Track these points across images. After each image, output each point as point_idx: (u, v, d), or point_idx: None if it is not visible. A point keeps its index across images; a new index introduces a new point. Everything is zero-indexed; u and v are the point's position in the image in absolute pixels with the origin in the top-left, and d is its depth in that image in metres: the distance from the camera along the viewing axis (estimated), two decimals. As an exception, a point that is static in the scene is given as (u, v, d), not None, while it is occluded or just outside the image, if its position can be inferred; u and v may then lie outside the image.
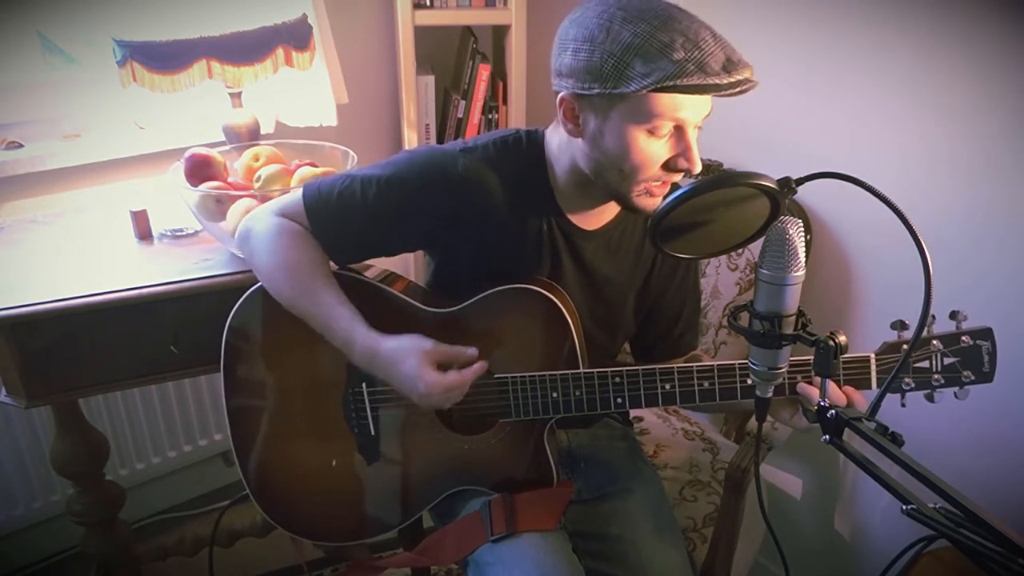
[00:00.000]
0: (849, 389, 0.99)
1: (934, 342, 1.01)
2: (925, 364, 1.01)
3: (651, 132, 0.95)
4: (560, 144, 1.07)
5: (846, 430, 0.78)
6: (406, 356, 1.02)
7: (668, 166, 0.98)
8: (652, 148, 0.96)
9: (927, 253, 0.70)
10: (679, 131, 0.96)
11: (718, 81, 0.88)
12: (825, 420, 0.79)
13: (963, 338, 1.00)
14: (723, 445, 1.54)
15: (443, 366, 1.02)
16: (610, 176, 1.01)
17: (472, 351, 1.05)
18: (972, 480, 1.27)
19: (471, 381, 1.03)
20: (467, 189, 1.08)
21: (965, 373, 1.01)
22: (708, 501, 1.39)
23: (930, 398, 1.02)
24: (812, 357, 0.81)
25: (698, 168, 0.98)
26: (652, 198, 1.02)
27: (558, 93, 1.00)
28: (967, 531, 0.64)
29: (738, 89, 0.90)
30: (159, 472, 1.96)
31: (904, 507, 0.68)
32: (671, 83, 0.88)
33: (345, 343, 1.06)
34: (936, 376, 1.02)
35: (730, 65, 0.89)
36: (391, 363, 1.03)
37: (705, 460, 1.48)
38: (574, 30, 0.96)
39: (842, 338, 0.77)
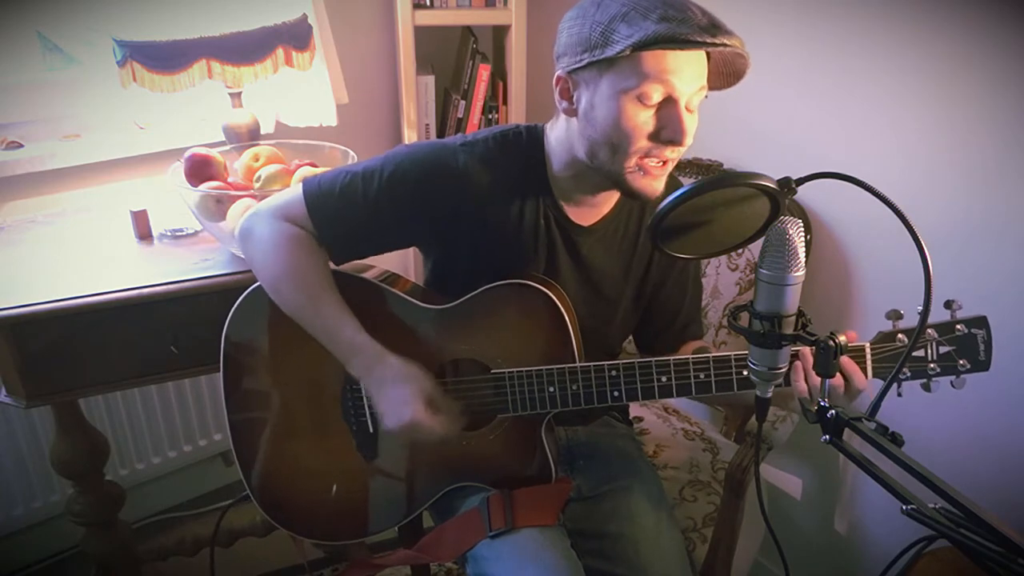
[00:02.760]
0: (848, 363, 0.99)
1: (929, 331, 1.01)
2: (921, 353, 1.02)
3: (640, 99, 0.95)
4: (558, 137, 1.08)
5: (846, 430, 0.78)
6: (409, 380, 1.05)
7: (657, 137, 0.98)
8: (641, 116, 0.96)
9: (927, 253, 0.70)
10: (669, 102, 0.96)
11: (700, 39, 0.89)
12: (825, 420, 0.79)
13: (958, 327, 1.01)
14: (723, 445, 1.54)
15: (431, 407, 1.05)
16: (603, 154, 1.01)
17: (455, 410, 1.08)
18: (972, 480, 1.27)
19: (442, 434, 1.06)
20: (468, 183, 1.08)
21: (961, 362, 1.01)
22: (708, 501, 1.39)
23: (927, 387, 1.02)
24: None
25: (687, 140, 0.98)
26: (647, 177, 1.01)
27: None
28: (967, 531, 0.64)
29: (721, 50, 0.91)
30: (159, 472, 1.96)
31: (904, 507, 0.68)
32: (652, 39, 0.89)
33: (347, 351, 1.07)
34: (932, 365, 1.02)
35: (715, 29, 0.91)
36: (391, 379, 1.05)
37: (705, 460, 1.48)
38: (571, 12, 1.00)
39: (842, 338, 0.77)
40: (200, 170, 1.36)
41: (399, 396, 1.04)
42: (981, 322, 1.01)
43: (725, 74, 0.99)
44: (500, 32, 1.99)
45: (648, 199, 1.04)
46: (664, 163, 1.01)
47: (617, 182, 1.04)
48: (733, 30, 0.92)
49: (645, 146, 0.98)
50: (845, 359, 0.99)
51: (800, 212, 1.51)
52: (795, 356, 0.97)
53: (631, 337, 1.35)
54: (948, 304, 0.99)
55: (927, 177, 1.35)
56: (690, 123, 0.98)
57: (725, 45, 0.90)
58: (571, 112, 1.03)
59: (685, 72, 0.94)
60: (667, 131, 0.97)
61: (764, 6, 1.53)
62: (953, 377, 1.02)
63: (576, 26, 0.97)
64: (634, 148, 0.98)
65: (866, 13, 1.37)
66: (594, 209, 1.14)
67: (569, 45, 0.98)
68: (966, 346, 1.01)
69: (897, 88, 1.36)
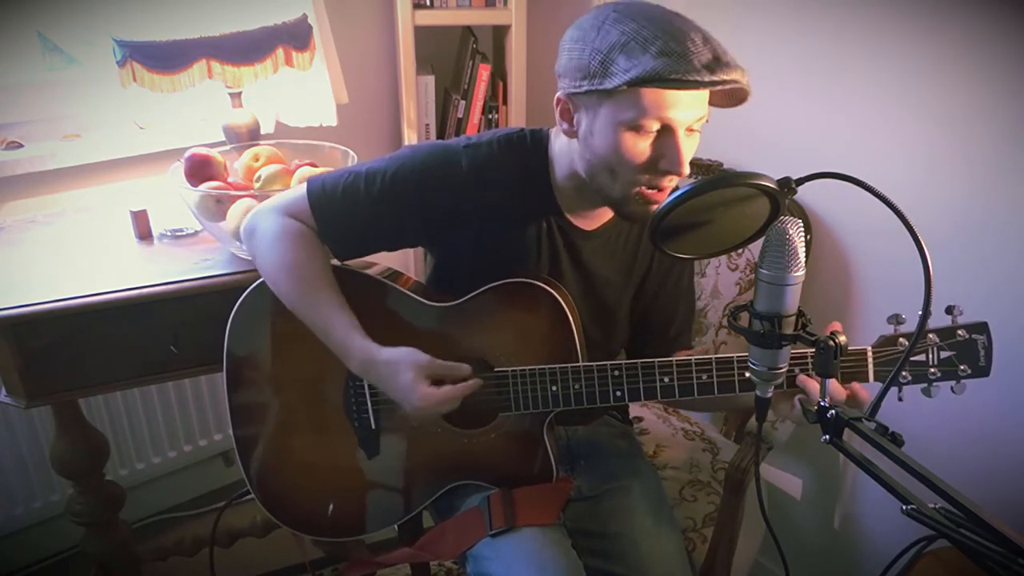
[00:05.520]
0: (855, 385, 0.99)
1: (930, 336, 1.01)
2: (921, 357, 1.02)
3: (637, 130, 0.95)
4: (562, 146, 1.08)
5: (846, 430, 0.78)
6: (402, 369, 1.04)
7: (655, 166, 0.98)
8: (638, 147, 0.96)
9: (927, 253, 0.70)
10: (667, 131, 0.96)
11: (698, 78, 0.88)
12: (825, 420, 0.79)
13: (959, 332, 1.01)
14: (723, 445, 1.54)
15: (436, 381, 1.04)
16: (602, 179, 1.01)
17: (466, 368, 1.07)
18: (972, 480, 1.27)
19: (463, 396, 1.05)
20: (470, 185, 1.08)
21: (961, 367, 1.01)
22: (708, 501, 1.39)
23: (927, 392, 1.02)
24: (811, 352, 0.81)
25: (684, 171, 0.97)
26: (647, 206, 1.01)
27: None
28: (967, 531, 0.64)
29: (720, 88, 0.90)
30: (159, 472, 1.96)
31: (904, 507, 0.68)
32: (650, 77, 0.88)
33: (341, 350, 1.07)
34: (933, 370, 1.02)
35: (715, 65, 0.89)
36: (387, 375, 1.05)
37: (705, 460, 1.48)
38: (572, 32, 0.98)
39: (842, 338, 0.77)
40: (200, 170, 1.36)
41: (402, 386, 1.04)
42: (982, 328, 1.01)
43: (729, 95, 0.98)
44: (500, 32, 1.99)
45: (643, 221, 1.05)
46: (663, 190, 1.01)
47: (613, 205, 1.05)
48: (735, 61, 0.90)
49: (644, 175, 0.99)
50: (854, 385, 0.99)
51: (800, 212, 1.51)
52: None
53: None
54: (949, 309, 0.99)
55: (927, 177, 1.35)
56: (688, 148, 0.98)
57: (724, 83, 0.89)
58: (571, 134, 1.03)
59: (684, 103, 0.93)
60: (664, 161, 0.97)
61: (764, 6, 1.53)
62: (953, 382, 1.02)
63: (576, 49, 0.96)
64: (631, 177, 0.99)
65: (867, 13, 1.37)
66: (596, 215, 1.14)
67: (569, 69, 0.97)
68: (966, 351, 1.01)
69: (897, 88, 1.36)
